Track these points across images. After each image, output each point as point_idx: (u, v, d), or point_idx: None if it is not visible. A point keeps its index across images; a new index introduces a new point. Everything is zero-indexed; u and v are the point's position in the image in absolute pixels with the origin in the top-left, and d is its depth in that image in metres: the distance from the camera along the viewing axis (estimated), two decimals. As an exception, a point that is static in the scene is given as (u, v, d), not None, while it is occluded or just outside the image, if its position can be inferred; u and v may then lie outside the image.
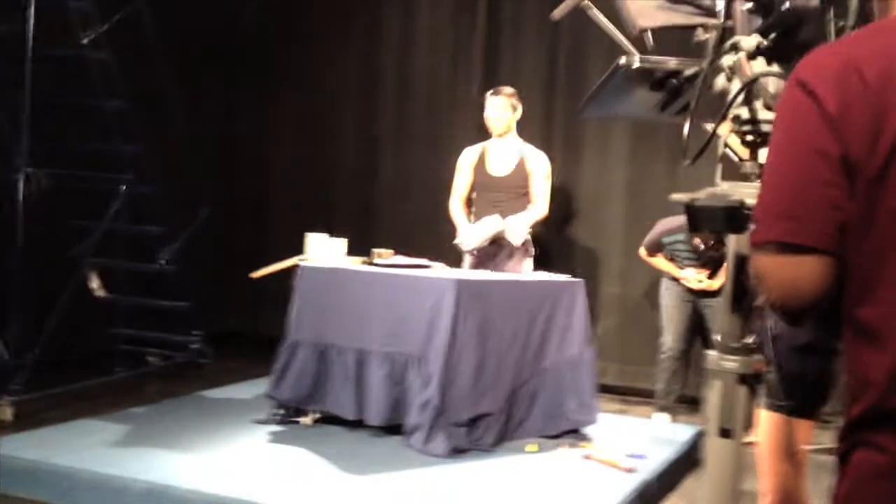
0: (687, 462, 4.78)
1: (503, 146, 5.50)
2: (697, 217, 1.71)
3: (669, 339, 5.59)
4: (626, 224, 6.44)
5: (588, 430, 4.71)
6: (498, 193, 5.43)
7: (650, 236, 5.55)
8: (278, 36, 7.56)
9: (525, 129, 6.87)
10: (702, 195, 1.77)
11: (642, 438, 4.75)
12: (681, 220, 4.37)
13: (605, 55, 6.54)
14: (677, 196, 1.81)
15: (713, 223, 1.69)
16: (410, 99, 7.33)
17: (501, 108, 5.46)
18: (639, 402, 6.30)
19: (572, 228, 6.75)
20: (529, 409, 4.59)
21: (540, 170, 5.48)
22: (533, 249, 5.51)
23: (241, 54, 7.58)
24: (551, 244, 6.35)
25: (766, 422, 2.54)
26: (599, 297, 6.50)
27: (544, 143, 6.80)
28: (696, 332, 5.65)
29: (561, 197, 6.20)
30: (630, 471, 4.13)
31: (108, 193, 5.83)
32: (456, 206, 5.58)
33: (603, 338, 6.31)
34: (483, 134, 5.70)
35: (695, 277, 5.43)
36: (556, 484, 3.96)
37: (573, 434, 4.65)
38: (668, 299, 5.61)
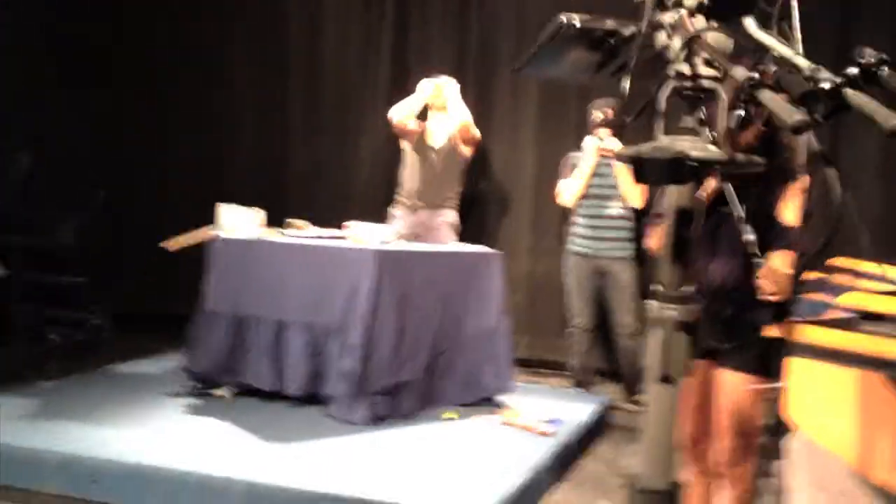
0: (599, 427, 4.92)
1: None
2: (642, 168, 1.75)
3: (577, 313, 5.69)
4: (535, 200, 6.53)
5: (504, 398, 4.79)
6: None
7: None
8: (183, 16, 7.36)
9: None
10: (646, 148, 1.81)
11: (556, 405, 4.86)
12: None
13: (515, 39, 6.63)
14: (622, 149, 1.85)
15: (657, 175, 1.74)
16: (319, 84, 7.26)
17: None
18: (550, 375, 6.43)
19: (482, 205, 6.81)
20: (448, 377, 4.64)
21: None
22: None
23: (144, 34, 7.35)
24: (461, 220, 6.39)
25: None
26: (509, 272, 6.58)
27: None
28: (602, 305, 5.76)
29: (471, 175, 6.25)
30: (547, 435, 4.23)
31: (4, 169, 5.60)
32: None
33: (513, 312, 6.39)
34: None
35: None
36: (476, 449, 4.02)
37: (490, 402, 4.72)
38: (572, 275, 5.71)
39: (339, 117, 7.17)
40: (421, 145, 5.92)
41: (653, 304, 1.89)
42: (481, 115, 6.62)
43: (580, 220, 5.61)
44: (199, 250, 4.79)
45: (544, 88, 6.47)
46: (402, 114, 5.91)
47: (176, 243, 4.97)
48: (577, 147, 5.74)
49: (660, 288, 1.87)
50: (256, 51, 7.36)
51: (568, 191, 5.60)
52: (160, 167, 7.40)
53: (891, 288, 3.50)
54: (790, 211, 2.88)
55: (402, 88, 6.97)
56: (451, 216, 5.93)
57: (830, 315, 4.04)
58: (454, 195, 5.98)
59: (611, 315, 5.68)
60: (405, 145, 6.00)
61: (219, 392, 4.50)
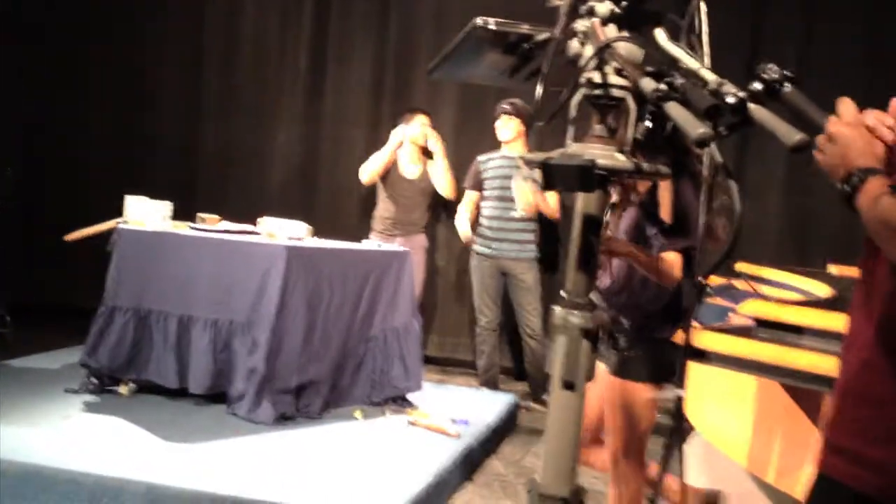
0: (506, 427, 4.95)
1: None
2: (552, 175, 1.76)
3: (483, 313, 5.72)
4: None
5: (412, 397, 4.78)
6: None
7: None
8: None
9: (352, 103, 6.87)
10: (555, 154, 1.82)
11: (464, 405, 4.87)
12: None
13: (434, 29, 6.63)
14: (530, 156, 1.85)
15: (566, 182, 1.74)
16: (236, 67, 7.13)
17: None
18: (457, 373, 6.46)
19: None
20: (356, 375, 4.61)
21: None
22: None
23: (58, 14, 7.10)
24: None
25: None
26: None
27: (371, 117, 6.83)
28: (508, 305, 5.81)
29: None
30: (454, 436, 4.23)
31: None
32: None
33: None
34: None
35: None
36: (383, 450, 4.00)
37: (398, 400, 4.70)
38: (477, 275, 5.74)
39: (254, 107, 7.06)
40: (395, 177, 6.08)
41: (558, 311, 1.90)
42: (398, 106, 6.60)
43: (484, 222, 5.69)
44: (102, 241, 4.64)
45: (463, 87, 6.49)
46: (371, 174, 6.09)
47: (77, 235, 4.81)
48: (493, 148, 5.77)
49: (564, 294, 1.89)
50: (178, 33, 7.20)
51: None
52: (71, 151, 7.18)
53: (790, 297, 3.62)
54: (666, 211, 2.91)
55: (321, 81, 6.92)
56: (423, 240, 6.18)
57: (731, 321, 4.15)
58: (426, 219, 6.22)
59: (517, 316, 5.74)
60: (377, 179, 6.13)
61: (121, 388, 4.37)
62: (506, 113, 5.57)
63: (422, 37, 6.73)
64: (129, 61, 7.13)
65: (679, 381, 1.80)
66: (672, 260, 2.84)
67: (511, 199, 5.56)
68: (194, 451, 3.69)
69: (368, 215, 6.28)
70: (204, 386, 4.24)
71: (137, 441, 3.76)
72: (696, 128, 1.44)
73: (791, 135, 1.46)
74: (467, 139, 6.51)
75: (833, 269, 4.37)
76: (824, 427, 1.70)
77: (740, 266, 4.30)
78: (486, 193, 5.71)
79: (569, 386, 1.85)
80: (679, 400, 1.78)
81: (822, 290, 3.68)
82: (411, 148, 6.08)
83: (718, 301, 3.72)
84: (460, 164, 6.21)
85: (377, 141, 6.72)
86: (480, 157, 5.77)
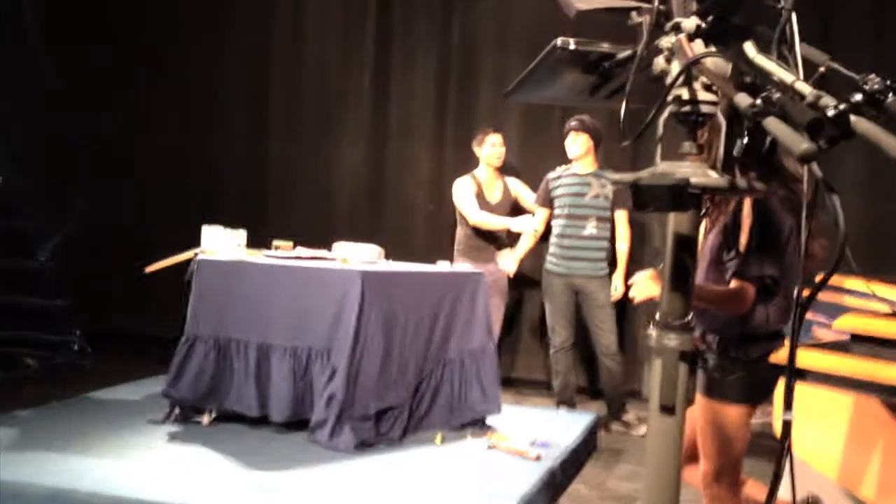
0: (587, 448, 4.88)
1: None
2: (643, 196, 1.72)
3: (557, 333, 5.65)
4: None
5: (491, 420, 4.74)
6: None
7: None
8: (159, 22, 7.30)
9: (416, 122, 6.90)
10: (645, 174, 1.78)
11: (543, 427, 4.81)
12: None
13: (495, 46, 6.64)
14: (618, 176, 1.82)
15: (659, 202, 1.70)
16: (301, 88, 7.22)
17: None
18: (533, 394, 6.41)
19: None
20: (434, 400, 4.58)
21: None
22: None
23: (121, 41, 7.28)
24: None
25: None
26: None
27: (435, 136, 6.85)
28: (582, 324, 5.73)
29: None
30: (537, 459, 4.18)
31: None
32: None
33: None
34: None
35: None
36: (464, 475, 3.96)
37: (477, 424, 4.67)
38: (550, 294, 5.68)
39: (319, 130, 7.12)
40: (481, 204, 5.92)
41: (654, 334, 1.85)
42: (462, 124, 6.60)
43: (556, 240, 5.64)
44: (178, 270, 4.72)
45: (528, 103, 6.47)
46: (482, 226, 5.91)
47: (159, 265, 4.89)
48: (559, 163, 5.73)
49: (659, 317, 1.84)
50: (243, 57, 7.32)
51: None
52: (139, 177, 7.33)
53: (884, 310, 3.49)
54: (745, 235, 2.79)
55: (384, 101, 6.96)
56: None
57: (816, 333, 4.02)
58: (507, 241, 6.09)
59: (591, 335, 5.67)
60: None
61: (204, 419, 4.42)
62: (574, 130, 5.53)
63: (483, 54, 6.74)
64: (196, 84, 7.26)
65: (787, 404, 1.74)
66: (740, 290, 2.73)
67: (582, 217, 5.51)
68: (277, 480, 3.71)
69: (437, 235, 6.27)
70: (284, 414, 4.26)
71: (221, 471, 3.79)
72: (799, 143, 1.39)
73: (897, 147, 1.40)
74: (533, 155, 6.48)
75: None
76: None
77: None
78: (556, 211, 5.66)
79: (667, 410, 1.80)
80: (787, 425, 1.72)
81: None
82: (488, 171, 5.99)
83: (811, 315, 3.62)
84: (527, 181, 6.18)
85: (442, 160, 6.76)
86: (551, 175, 5.73)
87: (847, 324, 2.79)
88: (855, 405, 2.78)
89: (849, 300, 4.12)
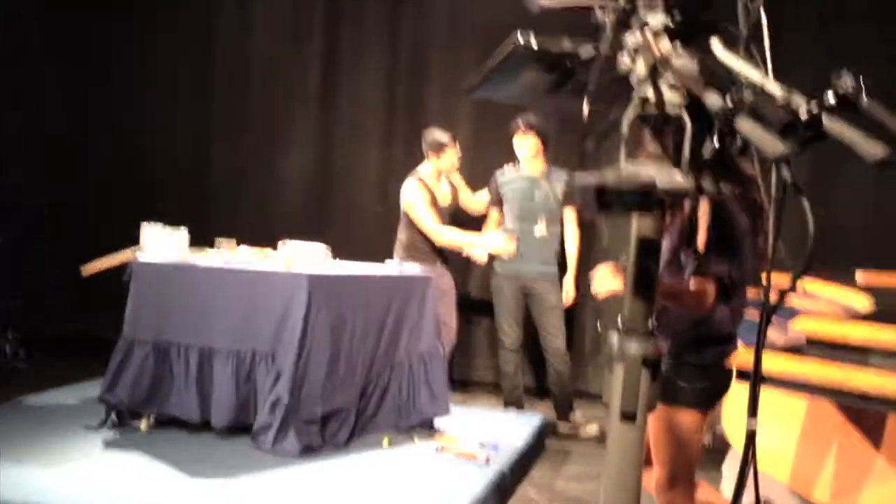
0: (535, 450, 4.84)
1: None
2: (609, 197, 1.66)
3: (509, 332, 5.59)
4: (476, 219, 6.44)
5: (440, 422, 4.68)
6: None
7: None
8: (100, 18, 7.10)
9: (365, 120, 6.81)
10: (610, 176, 1.72)
11: (492, 428, 4.76)
12: None
13: (445, 45, 6.57)
14: (582, 178, 1.76)
15: (624, 203, 1.65)
16: (246, 84, 7.08)
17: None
18: (481, 394, 6.36)
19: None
20: (382, 403, 4.50)
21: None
22: None
23: (60, 38, 7.06)
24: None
25: None
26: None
27: (384, 134, 6.77)
28: (531, 325, 5.68)
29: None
30: (486, 462, 4.12)
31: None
32: None
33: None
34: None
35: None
36: (413, 478, 3.89)
37: (425, 426, 4.60)
38: (499, 295, 5.60)
39: (265, 127, 7.00)
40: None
41: (615, 339, 1.80)
42: (412, 124, 6.52)
43: None
44: (119, 271, 4.56)
45: (478, 101, 6.41)
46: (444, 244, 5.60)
47: (93, 267, 4.72)
48: (509, 162, 5.66)
49: (621, 322, 1.79)
50: (187, 53, 7.15)
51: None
52: (80, 177, 7.12)
53: (830, 311, 3.51)
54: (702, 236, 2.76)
55: (332, 98, 6.86)
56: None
57: (769, 336, 4.03)
58: None
59: (540, 336, 5.62)
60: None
61: (142, 424, 4.28)
62: (522, 130, 5.47)
63: (434, 51, 6.66)
64: (136, 82, 7.07)
65: (752, 410, 1.70)
66: (703, 288, 2.68)
67: (531, 219, 5.47)
68: (219, 487, 3.60)
69: (385, 234, 6.18)
70: (227, 419, 4.14)
71: (160, 478, 3.67)
72: (775, 145, 1.35)
73: (874, 150, 1.37)
74: (483, 153, 6.41)
75: (860, 277, 4.25)
76: None
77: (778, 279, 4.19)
78: (505, 211, 5.61)
79: (628, 417, 1.76)
80: (751, 433, 1.68)
81: (861, 303, 3.57)
82: (433, 171, 5.69)
83: (755, 315, 3.62)
84: (479, 179, 6.12)
85: (390, 158, 6.66)
86: (499, 174, 5.66)
87: (803, 327, 2.78)
88: (809, 408, 2.78)
89: (804, 303, 4.14)
